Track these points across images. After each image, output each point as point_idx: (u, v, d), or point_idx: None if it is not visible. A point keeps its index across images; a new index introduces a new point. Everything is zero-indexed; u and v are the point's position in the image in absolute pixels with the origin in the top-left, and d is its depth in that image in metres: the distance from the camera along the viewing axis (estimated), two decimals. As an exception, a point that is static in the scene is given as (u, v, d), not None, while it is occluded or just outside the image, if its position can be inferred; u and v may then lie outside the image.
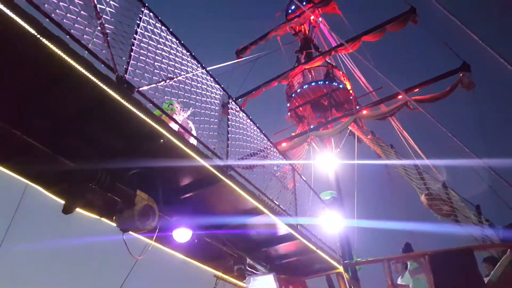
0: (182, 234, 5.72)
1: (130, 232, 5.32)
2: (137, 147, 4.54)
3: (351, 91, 14.77)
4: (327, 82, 14.18)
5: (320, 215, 8.34)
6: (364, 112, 12.31)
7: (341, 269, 7.56)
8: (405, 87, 11.61)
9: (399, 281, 7.68)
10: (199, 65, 5.36)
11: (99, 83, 3.64)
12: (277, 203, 6.63)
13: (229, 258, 6.63)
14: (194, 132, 5.55)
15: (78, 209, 5.08)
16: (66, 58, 3.40)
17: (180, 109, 5.53)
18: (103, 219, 5.54)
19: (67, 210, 4.53)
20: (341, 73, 15.13)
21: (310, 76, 14.85)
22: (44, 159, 4.49)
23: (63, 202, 4.76)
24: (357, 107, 13.64)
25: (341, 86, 14.32)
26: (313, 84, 14.29)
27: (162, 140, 4.40)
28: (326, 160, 11.67)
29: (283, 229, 6.50)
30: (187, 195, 5.60)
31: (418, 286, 7.12)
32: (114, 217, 5.05)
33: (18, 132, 4.16)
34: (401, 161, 10.36)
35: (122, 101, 3.84)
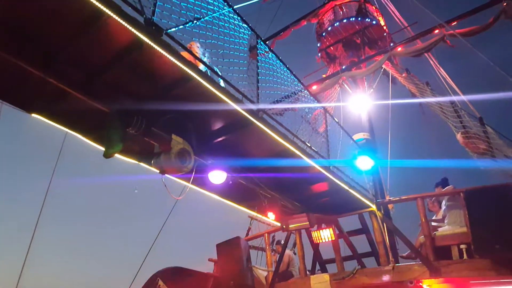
0: (217, 176, 5.91)
1: (168, 175, 5.57)
2: (170, 91, 4.59)
3: (384, 27, 14.00)
4: (359, 19, 13.46)
5: (352, 156, 8.33)
6: (399, 49, 11.72)
7: (374, 207, 7.65)
8: (443, 20, 10.86)
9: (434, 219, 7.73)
10: (225, 3, 5.18)
11: (128, 26, 3.61)
12: (309, 145, 6.66)
13: (262, 198, 6.83)
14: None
15: (118, 155, 5.35)
16: (95, 2, 3.36)
17: (200, 50, 5.47)
18: (141, 163, 5.80)
19: (106, 155, 4.75)
20: (374, 8, 14.27)
21: (341, 12, 14.12)
22: (80, 106, 4.64)
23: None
24: (392, 44, 12.98)
25: (374, 22, 13.57)
26: (344, 21, 13.61)
27: (192, 84, 4.41)
28: (359, 101, 11.39)
29: (315, 170, 6.56)
30: (220, 138, 5.70)
31: (453, 222, 7.15)
32: (152, 161, 5.26)
33: (53, 81, 4.26)
34: (436, 98, 9.97)
35: (152, 44, 3.82)
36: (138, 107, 4.78)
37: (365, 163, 8.36)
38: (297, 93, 7.09)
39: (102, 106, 4.68)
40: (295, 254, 9.03)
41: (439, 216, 7.72)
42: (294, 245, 9.40)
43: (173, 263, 7.80)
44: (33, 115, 4.71)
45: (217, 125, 5.60)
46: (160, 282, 7.38)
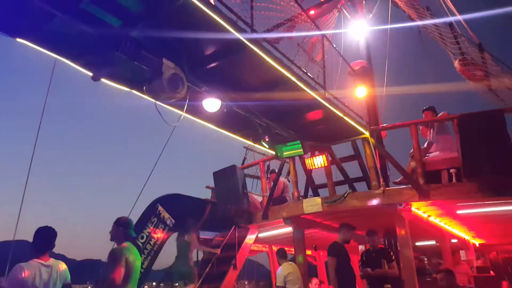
0: (212, 104, 5.84)
1: (161, 102, 5.50)
2: (157, 9, 4.34)
3: None
4: None
5: (348, 84, 8.25)
6: (400, -31, 11.04)
7: (367, 134, 7.73)
8: None
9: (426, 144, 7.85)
10: None
11: None
12: (305, 71, 6.53)
13: (257, 127, 6.85)
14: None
15: (109, 82, 5.23)
16: None
17: None
18: (133, 91, 5.68)
19: (94, 78, 4.65)
20: None
21: None
22: (67, 29, 4.42)
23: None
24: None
25: None
26: None
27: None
28: (358, 27, 10.99)
29: (310, 97, 6.50)
30: (213, 64, 5.53)
31: (443, 147, 7.30)
32: (144, 88, 5.15)
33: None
34: (435, 20, 9.66)
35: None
36: (125, 28, 4.57)
37: (361, 91, 8.32)
38: (294, 18, 6.79)
39: (88, 27, 4.47)
40: (289, 181, 9.31)
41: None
42: (288, 173, 9.64)
43: (172, 190, 8.05)
44: (18, 39, 4.49)
45: (210, 49, 5.38)
46: (160, 208, 7.69)
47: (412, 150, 7.45)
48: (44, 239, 3.42)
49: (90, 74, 4.79)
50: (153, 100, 5.35)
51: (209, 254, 7.48)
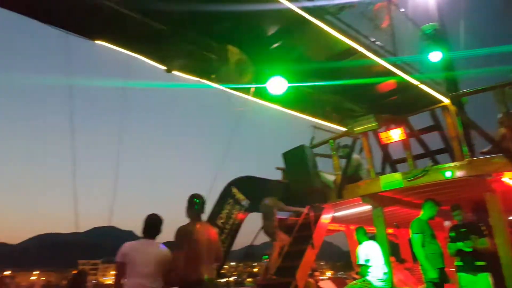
0: (278, 85, 5.79)
1: (228, 87, 5.59)
2: None
3: None
4: None
5: (421, 49, 7.65)
6: None
7: (446, 102, 7.15)
8: None
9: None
10: None
11: None
12: (373, 40, 6.17)
13: (326, 104, 6.68)
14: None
15: (179, 73, 5.43)
16: None
17: None
18: (202, 80, 5.84)
19: (168, 71, 4.90)
20: None
21: None
22: (137, 26, 4.65)
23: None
24: None
25: None
26: None
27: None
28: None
29: (381, 67, 6.17)
30: (277, 44, 5.47)
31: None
32: (211, 75, 5.28)
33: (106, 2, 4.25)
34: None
35: None
36: (189, 20, 4.70)
37: (435, 55, 7.68)
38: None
39: (157, 23, 4.66)
40: (362, 158, 9.00)
41: None
42: (361, 150, 9.33)
43: (242, 173, 8.24)
44: (97, 41, 4.81)
45: (272, 29, 5.33)
46: (234, 189, 7.91)
47: (500, 116, 6.73)
48: (149, 224, 3.75)
49: (164, 67, 5.00)
50: (221, 87, 5.47)
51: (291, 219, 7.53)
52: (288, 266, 6.62)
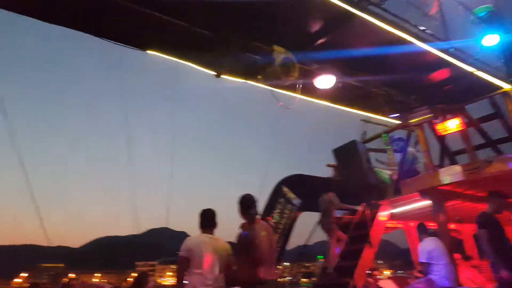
0: (325, 80, 5.72)
1: (274, 87, 5.59)
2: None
3: None
4: None
5: (475, 34, 7.19)
6: None
7: (507, 87, 6.67)
8: None
9: None
10: None
11: None
12: (422, 28, 5.91)
13: (377, 96, 6.47)
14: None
15: (226, 76, 5.51)
16: None
17: None
18: (249, 81, 5.88)
19: (217, 75, 5.01)
20: None
21: None
22: (184, 34, 4.79)
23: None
24: None
25: None
26: None
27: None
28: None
29: (432, 56, 5.88)
30: (322, 40, 5.40)
31: None
32: (258, 76, 5.30)
33: (155, 12, 4.42)
34: None
35: None
36: (234, 24, 4.77)
37: (491, 39, 7.18)
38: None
39: (203, 30, 4.77)
40: (418, 151, 8.62)
41: None
42: (416, 143, 8.95)
43: (291, 172, 8.21)
44: (148, 51, 5.01)
45: (316, 26, 5.27)
46: (285, 188, 7.88)
47: None
48: (205, 217, 3.85)
49: (213, 72, 5.11)
50: (268, 87, 5.49)
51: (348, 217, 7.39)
52: (346, 266, 6.49)
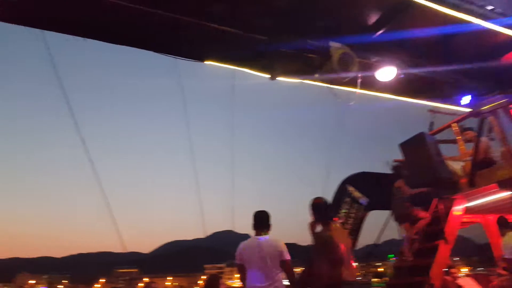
0: (386, 73, 5.52)
1: (333, 84, 5.50)
2: None
3: None
4: None
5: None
6: None
7: None
8: None
9: None
10: None
11: None
12: (490, 8, 5.48)
13: (443, 85, 6.12)
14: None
15: (281, 78, 5.52)
16: None
17: None
18: (305, 81, 5.84)
19: (272, 78, 5.05)
20: None
21: None
22: (239, 41, 4.88)
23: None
24: None
25: None
26: None
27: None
28: None
29: (503, 36, 5.45)
30: (380, 31, 5.23)
31: None
32: (315, 75, 5.25)
33: (208, 23, 4.57)
34: None
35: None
36: (290, 26, 4.78)
37: None
38: None
39: (256, 34, 4.84)
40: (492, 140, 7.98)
41: None
42: (489, 131, 8.31)
43: (356, 169, 7.98)
44: (206, 62, 5.18)
45: (373, 17, 5.12)
46: (350, 188, 7.68)
47: None
48: (257, 219, 3.88)
49: (268, 75, 5.15)
50: (326, 84, 5.41)
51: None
52: (420, 265, 6.19)
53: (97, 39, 4.67)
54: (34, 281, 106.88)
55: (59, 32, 4.40)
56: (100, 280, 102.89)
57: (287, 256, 3.62)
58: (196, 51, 5.14)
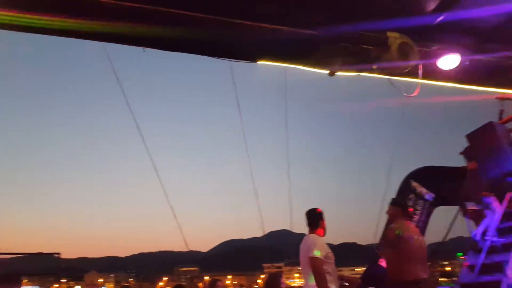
0: (449, 60, 5.22)
1: (393, 76, 5.30)
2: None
3: None
4: None
5: None
6: None
7: None
8: None
9: None
10: None
11: None
12: None
13: (513, 70, 5.66)
14: None
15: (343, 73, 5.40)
16: None
17: None
18: (362, 74, 5.67)
19: (331, 74, 4.95)
20: None
21: None
22: (290, 39, 4.85)
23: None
24: None
25: None
26: None
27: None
28: None
29: None
30: (440, 18, 4.93)
31: None
32: (373, 67, 5.08)
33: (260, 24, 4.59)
34: None
35: None
36: (343, 18, 4.67)
37: None
38: None
39: (308, 29, 4.78)
40: None
41: None
42: None
43: (419, 164, 7.66)
44: (259, 62, 5.21)
45: (432, 4, 4.85)
46: (414, 183, 7.35)
47: None
48: (309, 217, 3.88)
49: (326, 71, 5.09)
50: (385, 76, 5.23)
51: None
52: (494, 263, 5.77)
53: (156, 48, 4.88)
54: (102, 280, 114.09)
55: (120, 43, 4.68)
56: (164, 279, 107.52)
57: (311, 253, 3.43)
58: (248, 52, 5.20)
